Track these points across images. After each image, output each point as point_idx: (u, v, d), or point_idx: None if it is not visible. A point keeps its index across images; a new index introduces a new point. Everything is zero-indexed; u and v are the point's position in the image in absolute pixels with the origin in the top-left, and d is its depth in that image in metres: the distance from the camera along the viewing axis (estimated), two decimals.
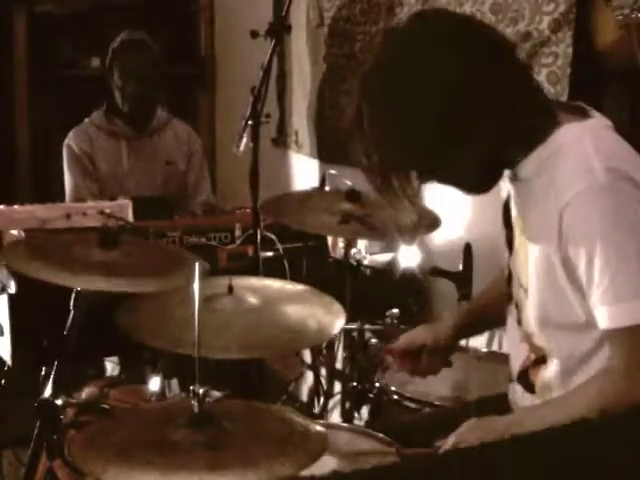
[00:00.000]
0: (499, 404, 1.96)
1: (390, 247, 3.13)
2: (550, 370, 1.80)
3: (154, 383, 2.38)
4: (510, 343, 1.95)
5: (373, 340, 2.71)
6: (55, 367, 2.10)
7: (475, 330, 2.27)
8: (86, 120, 3.70)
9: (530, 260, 1.75)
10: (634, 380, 1.64)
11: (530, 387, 1.85)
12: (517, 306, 1.87)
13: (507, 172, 1.80)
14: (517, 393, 1.91)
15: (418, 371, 2.18)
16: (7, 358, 2.73)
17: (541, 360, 1.81)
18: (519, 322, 1.86)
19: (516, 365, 1.89)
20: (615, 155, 1.69)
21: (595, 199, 1.63)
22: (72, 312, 2.10)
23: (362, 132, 1.71)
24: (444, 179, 1.79)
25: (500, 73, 1.68)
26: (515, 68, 1.73)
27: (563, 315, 1.72)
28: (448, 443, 1.75)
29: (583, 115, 1.75)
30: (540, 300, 1.75)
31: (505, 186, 1.87)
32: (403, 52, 1.71)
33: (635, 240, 1.61)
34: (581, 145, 1.68)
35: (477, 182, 1.79)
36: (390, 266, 3.09)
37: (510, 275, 1.90)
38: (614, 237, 1.62)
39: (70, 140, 3.65)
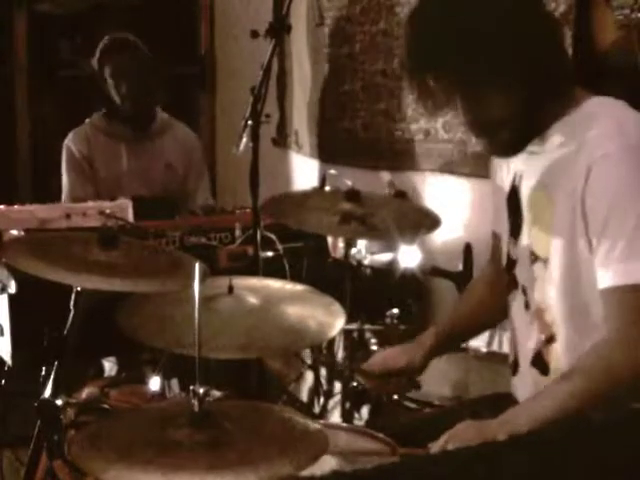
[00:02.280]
0: (499, 404, 1.97)
1: (390, 247, 3.13)
2: (560, 346, 1.80)
3: (154, 383, 2.38)
4: (517, 331, 1.95)
5: (373, 340, 2.71)
6: (55, 367, 2.09)
7: (445, 351, 2.27)
8: (86, 121, 3.70)
9: (553, 229, 1.76)
10: (629, 346, 1.64)
11: (545, 369, 1.85)
12: (524, 290, 1.87)
13: (528, 148, 1.81)
14: (527, 382, 1.90)
15: (386, 391, 2.27)
16: (7, 358, 2.73)
17: (551, 339, 1.82)
18: (527, 305, 1.87)
19: (527, 352, 1.89)
20: None
21: (626, 158, 1.66)
22: (72, 312, 2.10)
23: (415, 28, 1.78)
24: (485, 117, 1.78)
25: (553, 34, 1.79)
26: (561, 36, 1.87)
27: (584, 288, 1.73)
28: (439, 443, 1.75)
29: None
30: (561, 271, 1.76)
31: (508, 178, 1.88)
32: None
33: None
34: (612, 112, 1.75)
35: (513, 135, 1.79)
36: (390, 266, 3.09)
37: (512, 261, 1.90)
38: (636, 197, 1.64)
39: (69, 141, 3.64)
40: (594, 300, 1.71)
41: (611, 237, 1.65)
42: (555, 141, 1.77)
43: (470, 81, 1.74)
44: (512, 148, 1.83)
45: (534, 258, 1.82)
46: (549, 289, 1.80)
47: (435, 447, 1.75)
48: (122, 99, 3.59)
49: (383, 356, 2.20)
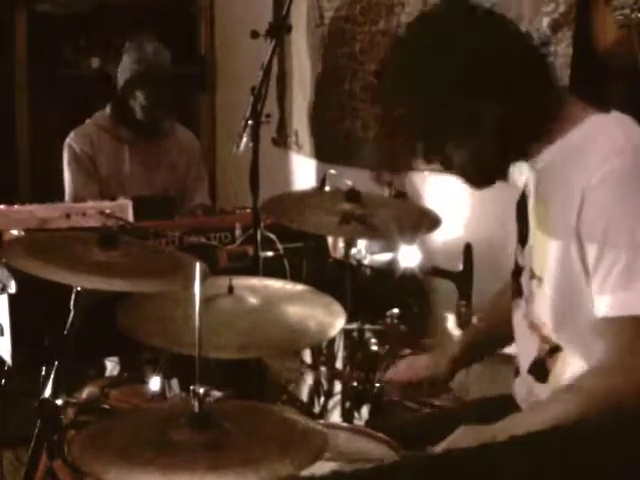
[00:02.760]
0: (499, 404, 1.97)
1: (390, 247, 3.13)
2: (564, 357, 1.79)
3: (154, 383, 2.38)
4: (518, 337, 1.95)
5: (373, 340, 2.71)
6: (55, 367, 2.10)
7: (474, 359, 2.25)
8: (88, 121, 3.68)
9: (548, 250, 1.74)
10: (629, 374, 1.62)
11: (543, 376, 1.84)
12: (527, 300, 1.86)
13: (528, 163, 1.81)
14: (524, 387, 1.90)
15: (413, 397, 2.26)
16: (7, 358, 2.73)
17: (557, 348, 1.80)
18: (525, 316, 1.87)
19: (527, 358, 1.88)
20: None
21: (621, 183, 1.62)
22: (72, 312, 2.10)
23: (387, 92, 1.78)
24: (451, 164, 1.79)
25: (531, 62, 1.73)
26: (545, 66, 1.78)
27: (578, 309, 1.72)
28: (439, 448, 1.75)
29: (606, 109, 1.77)
30: (555, 292, 1.74)
31: (521, 181, 1.88)
32: (437, 28, 1.74)
33: None
34: (611, 132, 1.70)
35: (486, 174, 1.80)
36: (390, 266, 3.08)
37: (519, 268, 1.90)
38: (632, 222, 1.61)
39: (71, 140, 3.63)
40: (589, 323, 1.69)
41: (606, 267, 1.62)
42: (555, 161, 1.75)
43: (463, 140, 1.74)
44: (490, 183, 1.83)
45: (532, 274, 1.82)
46: (544, 306, 1.79)
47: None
48: (144, 119, 3.59)
49: (408, 365, 2.20)
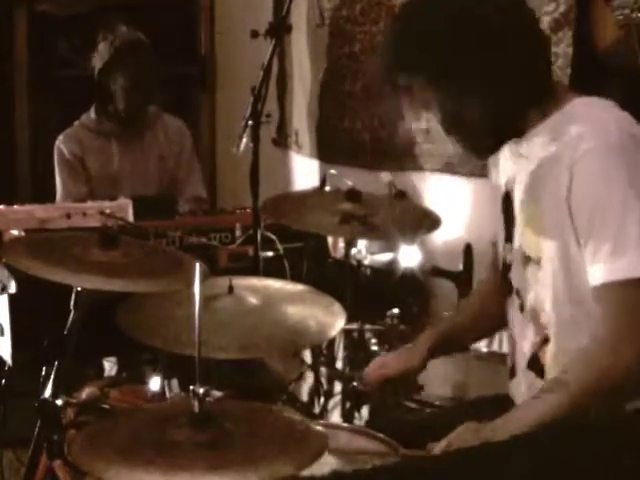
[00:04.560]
0: (497, 404, 1.97)
1: (390, 247, 3.13)
2: (554, 348, 1.81)
3: (154, 383, 2.38)
4: (515, 335, 1.95)
5: (373, 340, 2.71)
6: (55, 367, 2.09)
7: (443, 353, 2.24)
8: (75, 123, 3.70)
9: (543, 230, 1.76)
10: (624, 348, 1.64)
11: (541, 371, 1.85)
12: (518, 293, 1.87)
13: (512, 150, 1.83)
14: (523, 385, 1.91)
15: (387, 396, 2.28)
16: (7, 358, 2.73)
17: (545, 340, 1.82)
18: (522, 308, 1.87)
19: (524, 355, 1.89)
20: (629, 122, 1.75)
21: (607, 156, 1.67)
22: (72, 312, 2.10)
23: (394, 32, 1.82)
24: (458, 121, 1.81)
25: (535, 35, 1.80)
26: (545, 41, 1.87)
27: (577, 285, 1.73)
28: (439, 447, 1.75)
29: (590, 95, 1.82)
30: (553, 270, 1.76)
31: (504, 176, 1.89)
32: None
33: (639, 200, 1.64)
34: (596, 112, 1.76)
35: (486, 138, 1.82)
36: (390, 266, 3.09)
37: (507, 266, 1.91)
38: (618, 194, 1.65)
39: (60, 143, 3.64)
40: (588, 300, 1.71)
41: (597, 236, 1.66)
42: (538, 144, 1.78)
43: (440, 85, 1.77)
44: (487, 149, 1.87)
45: (527, 260, 1.83)
46: (543, 290, 1.80)
47: (436, 450, 1.75)
48: (125, 105, 3.58)
49: (381, 362, 2.19)
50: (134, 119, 3.67)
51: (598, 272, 1.66)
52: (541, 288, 1.80)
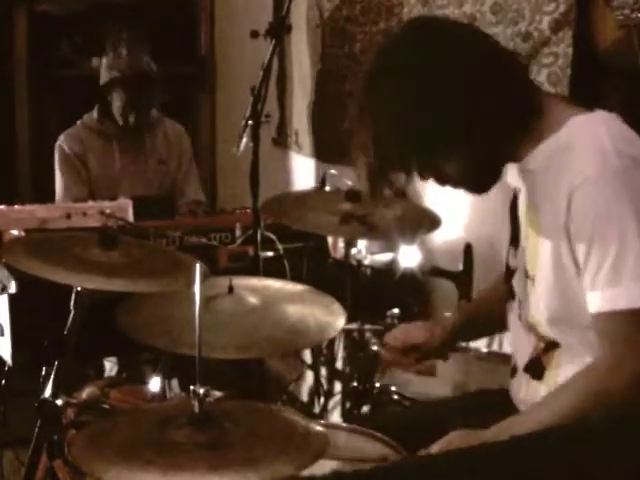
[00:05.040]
0: (497, 398, 1.97)
1: (390, 247, 3.13)
2: (559, 354, 1.80)
3: (154, 383, 2.39)
4: (514, 338, 1.95)
5: (373, 341, 2.71)
6: (55, 367, 2.09)
7: (472, 334, 2.25)
8: (78, 122, 3.71)
9: (540, 249, 1.75)
10: (619, 374, 1.64)
11: (539, 374, 1.85)
12: (520, 302, 1.87)
13: (517, 165, 1.81)
14: (520, 386, 1.90)
15: (404, 364, 2.21)
16: (7, 358, 2.73)
17: (553, 345, 1.81)
18: (520, 317, 1.87)
19: (523, 358, 1.89)
20: (628, 142, 1.70)
21: (606, 182, 1.64)
22: (72, 312, 2.10)
23: (366, 127, 1.74)
24: (446, 178, 1.80)
25: (505, 73, 1.72)
26: (517, 67, 1.78)
27: (571, 306, 1.73)
28: (433, 450, 1.75)
29: (589, 108, 1.77)
30: (548, 290, 1.75)
31: (512, 183, 1.89)
32: (413, 52, 1.72)
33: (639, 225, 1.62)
34: (594, 132, 1.70)
35: (480, 181, 1.81)
36: (390, 266, 3.09)
37: (510, 271, 1.90)
38: (618, 220, 1.63)
39: (62, 142, 3.65)
40: (583, 320, 1.70)
41: (595, 263, 1.64)
42: (538, 165, 1.75)
43: (424, 158, 1.75)
44: (486, 186, 1.83)
45: (525, 274, 1.83)
46: (538, 305, 1.79)
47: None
48: (122, 121, 3.61)
49: (404, 330, 2.17)
50: (136, 123, 3.68)
51: (595, 300, 1.65)
52: (537, 303, 1.80)
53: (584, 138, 1.70)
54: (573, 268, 1.69)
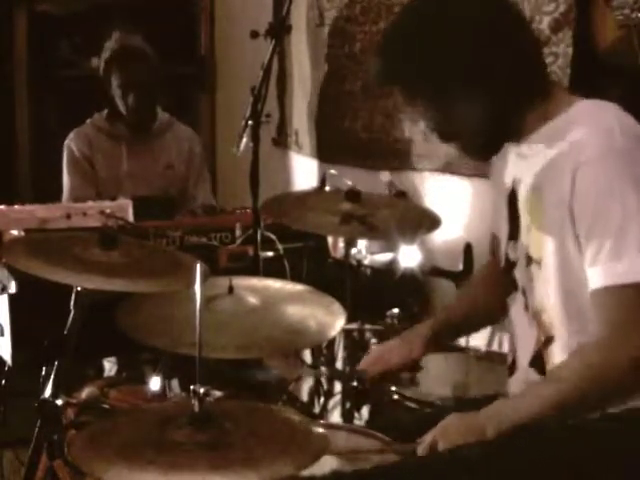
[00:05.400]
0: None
1: (390, 247, 3.13)
2: (557, 347, 1.81)
3: (154, 383, 2.39)
4: (517, 332, 1.95)
5: (373, 340, 2.71)
6: (55, 367, 2.09)
7: (441, 344, 2.26)
8: (87, 121, 3.69)
9: (545, 233, 1.77)
10: (622, 351, 1.64)
11: (543, 369, 1.85)
12: (524, 291, 1.88)
13: (517, 152, 1.83)
14: (523, 382, 1.90)
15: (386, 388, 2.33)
16: (7, 358, 2.73)
17: (549, 340, 1.82)
18: (526, 307, 1.87)
19: (527, 353, 1.89)
20: (632, 123, 1.75)
21: (610, 160, 1.67)
22: (72, 312, 2.10)
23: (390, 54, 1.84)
24: (452, 127, 1.82)
25: (525, 36, 1.81)
26: (537, 44, 1.90)
27: (575, 290, 1.74)
28: (427, 438, 1.75)
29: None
30: (554, 272, 1.76)
31: (509, 177, 1.89)
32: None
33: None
34: (600, 114, 1.75)
35: (482, 140, 1.83)
36: (390, 266, 3.09)
37: (510, 263, 1.91)
38: (621, 197, 1.65)
39: (70, 141, 3.64)
40: (586, 303, 1.72)
41: (598, 239, 1.66)
42: (542, 145, 1.79)
43: (431, 93, 1.79)
44: (485, 152, 1.89)
45: (529, 260, 1.83)
46: (545, 290, 1.80)
47: (424, 442, 1.75)
48: (128, 109, 3.58)
49: (377, 356, 2.19)
50: (143, 123, 3.67)
51: (597, 275, 1.67)
52: (543, 289, 1.80)
53: (590, 119, 1.74)
54: (576, 247, 1.71)
